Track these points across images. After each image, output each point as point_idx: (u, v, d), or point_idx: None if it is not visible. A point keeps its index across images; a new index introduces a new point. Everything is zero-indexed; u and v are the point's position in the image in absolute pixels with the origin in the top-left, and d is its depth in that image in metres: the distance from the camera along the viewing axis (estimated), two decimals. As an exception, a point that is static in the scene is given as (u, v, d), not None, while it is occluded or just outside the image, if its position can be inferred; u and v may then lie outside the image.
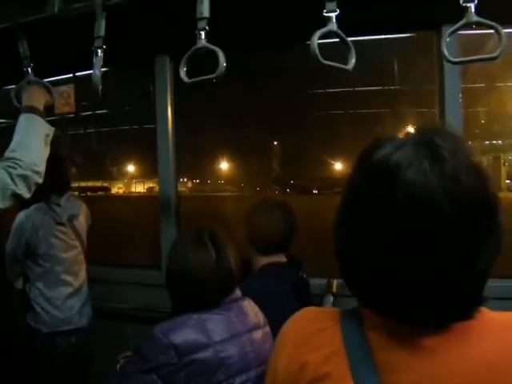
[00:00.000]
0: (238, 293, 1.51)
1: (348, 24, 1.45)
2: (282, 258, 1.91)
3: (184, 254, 1.45)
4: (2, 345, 2.44)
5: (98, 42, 1.66)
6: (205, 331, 1.36)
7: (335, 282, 2.08)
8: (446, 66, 2.06)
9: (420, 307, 0.65)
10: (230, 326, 1.41)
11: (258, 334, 1.47)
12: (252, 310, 1.51)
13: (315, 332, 0.72)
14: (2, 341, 2.50)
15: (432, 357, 0.63)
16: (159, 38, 2.31)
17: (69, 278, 2.50)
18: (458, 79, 2.09)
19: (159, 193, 2.59)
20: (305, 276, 2.01)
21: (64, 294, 2.48)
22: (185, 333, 1.34)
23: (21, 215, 2.46)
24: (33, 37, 1.87)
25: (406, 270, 0.63)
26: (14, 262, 2.49)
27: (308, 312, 0.79)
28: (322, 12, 1.40)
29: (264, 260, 1.89)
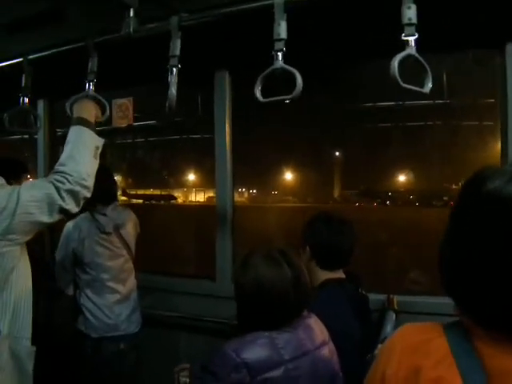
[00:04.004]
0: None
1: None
2: (341, 274, 1.91)
3: (259, 270, 1.43)
4: (53, 348, 2.51)
5: (173, 61, 1.69)
6: (276, 349, 1.35)
7: (395, 299, 2.06)
8: (510, 82, 2.05)
9: None
10: (300, 344, 1.40)
11: (325, 351, 1.47)
12: (318, 327, 1.50)
13: (423, 342, 0.78)
14: (53, 345, 2.57)
15: None
16: (219, 54, 2.36)
17: (115, 286, 2.55)
18: None
19: (216, 206, 2.62)
20: (364, 292, 1.99)
21: (111, 301, 2.53)
22: (256, 351, 1.34)
23: (68, 225, 2.52)
24: (103, 54, 1.94)
25: None
26: (63, 270, 2.56)
27: (411, 326, 0.86)
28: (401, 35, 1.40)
29: (325, 275, 1.88)
